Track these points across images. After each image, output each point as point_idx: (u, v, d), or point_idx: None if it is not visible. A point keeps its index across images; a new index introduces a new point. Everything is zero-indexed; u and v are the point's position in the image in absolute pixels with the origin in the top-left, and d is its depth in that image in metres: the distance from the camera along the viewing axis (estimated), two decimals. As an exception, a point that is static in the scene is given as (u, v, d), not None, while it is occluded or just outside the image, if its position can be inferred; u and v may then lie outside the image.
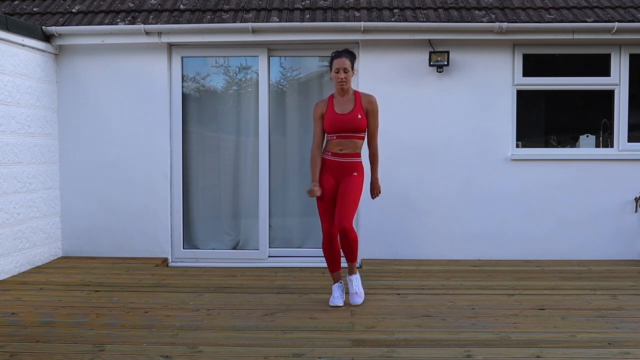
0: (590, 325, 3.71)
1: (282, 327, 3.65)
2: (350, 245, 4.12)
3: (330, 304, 4.18)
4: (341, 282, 4.32)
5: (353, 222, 4.12)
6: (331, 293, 4.29)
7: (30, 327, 3.67)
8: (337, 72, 4.08)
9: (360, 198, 4.17)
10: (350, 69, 4.08)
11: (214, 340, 3.43)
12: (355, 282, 4.27)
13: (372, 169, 4.30)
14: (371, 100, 4.17)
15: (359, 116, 4.08)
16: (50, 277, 5.06)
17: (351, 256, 4.21)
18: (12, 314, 3.96)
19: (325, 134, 4.19)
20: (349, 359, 3.13)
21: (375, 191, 4.33)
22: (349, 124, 4.07)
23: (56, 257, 5.82)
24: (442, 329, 3.64)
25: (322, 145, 4.24)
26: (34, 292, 4.55)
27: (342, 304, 4.17)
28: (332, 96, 4.20)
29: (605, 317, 3.87)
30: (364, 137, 4.17)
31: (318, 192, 4.10)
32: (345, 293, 4.32)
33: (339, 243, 4.16)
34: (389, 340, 3.43)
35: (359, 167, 4.18)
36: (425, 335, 3.53)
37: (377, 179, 4.32)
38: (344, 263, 4.32)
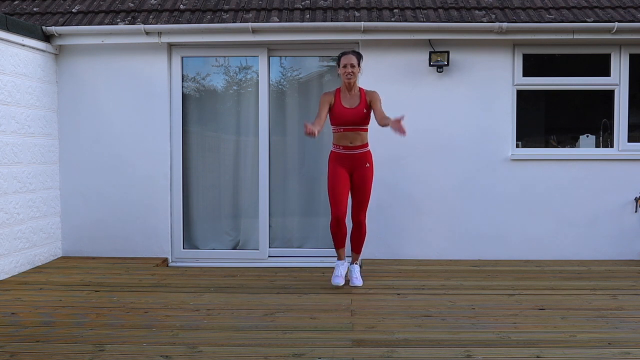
0: (590, 325, 3.71)
1: (282, 327, 3.65)
2: (360, 238, 4.74)
3: (333, 282, 4.61)
4: (344, 261, 4.74)
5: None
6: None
7: (30, 327, 3.67)
8: (345, 67, 4.52)
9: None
10: (356, 65, 4.54)
11: (214, 340, 3.43)
12: (356, 270, 4.75)
13: (392, 120, 4.26)
14: (374, 94, 4.61)
15: (364, 110, 4.52)
16: (50, 277, 5.06)
17: (358, 248, 4.79)
18: (12, 314, 3.96)
19: (331, 126, 4.62)
20: (349, 359, 3.14)
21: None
22: (356, 118, 4.51)
23: (56, 257, 5.82)
24: (442, 329, 3.64)
25: (322, 124, 4.46)
26: (34, 292, 4.55)
27: (342, 283, 4.60)
28: (339, 90, 4.62)
29: (605, 317, 3.87)
30: (367, 129, 4.60)
31: (315, 132, 4.11)
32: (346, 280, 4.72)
33: (351, 235, 4.75)
34: (389, 340, 3.43)
35: (369, 157, 4.64)
36: (425, 335, 3.53)
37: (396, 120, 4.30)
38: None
